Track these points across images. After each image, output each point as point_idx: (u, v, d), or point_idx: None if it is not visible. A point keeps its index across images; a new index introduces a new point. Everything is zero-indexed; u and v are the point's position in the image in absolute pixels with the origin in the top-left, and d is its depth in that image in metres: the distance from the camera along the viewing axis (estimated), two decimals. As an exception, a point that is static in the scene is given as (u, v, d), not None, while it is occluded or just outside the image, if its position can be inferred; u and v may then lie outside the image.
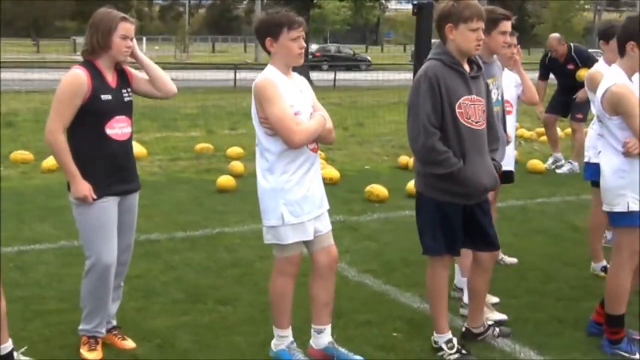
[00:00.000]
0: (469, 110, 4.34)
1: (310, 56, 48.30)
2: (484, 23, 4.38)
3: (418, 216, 4.60)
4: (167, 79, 4.70)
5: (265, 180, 4.28)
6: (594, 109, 6.14)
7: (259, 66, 40.48)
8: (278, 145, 4.20)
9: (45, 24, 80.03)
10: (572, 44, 11.07)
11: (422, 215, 4.55)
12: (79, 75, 4.28)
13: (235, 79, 29.44)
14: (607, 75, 4.59)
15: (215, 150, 12.31)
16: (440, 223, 4.46)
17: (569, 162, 11.13)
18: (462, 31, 4.28)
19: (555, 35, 10.88)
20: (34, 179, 9.73)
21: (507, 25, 5.21)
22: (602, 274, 6.19)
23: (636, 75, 4.55)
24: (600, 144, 4.68)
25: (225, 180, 9.42)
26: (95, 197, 4.32)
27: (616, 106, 4.41)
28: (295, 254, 4.38)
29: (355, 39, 77.78)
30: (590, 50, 12.42)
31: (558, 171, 11.08)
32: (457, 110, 4.30)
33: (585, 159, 6.26)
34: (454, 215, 4.45)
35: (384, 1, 42.12)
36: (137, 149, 9.51)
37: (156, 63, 4.68)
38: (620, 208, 4.51)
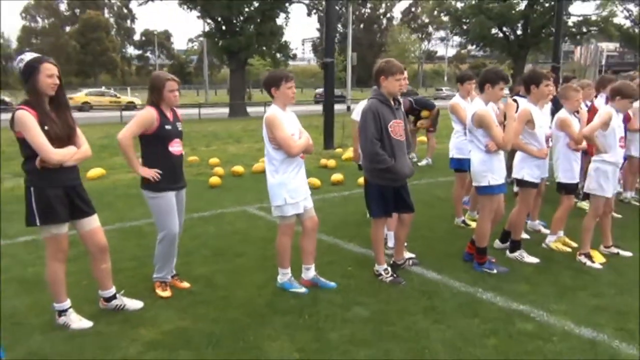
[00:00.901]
0: (396, 129, 4.54)
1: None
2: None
3: (367, 195, 4.74)
4: None
5: (273, 178, 4.40)
6: (454, 125, 6.52)
7: (205, 105, 39.17)
8: (281, 155, 4.33)
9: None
10: (411, 99, 11.40)
11: (369, 194, 4.71)
12: (152, 112, 4.31)
13: (199, 113, 28.86)
14: (473, 104, 4.84)
15: (200, 160, 12.04)
16: (381, 198, 4.65)
17: (426, 158, 11.49)
18: (390, 81, 4.47)
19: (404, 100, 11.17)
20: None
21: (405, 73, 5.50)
22: (462, 225, 6.53)
23: (491, 103, 4.83)
24: (470, 146, 4.93)
25: (215, 180, 9.31)
26: (157, 177, 4.34)
27: (480, 122, 4.69)
28: (292, 222, 4.53)
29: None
30: (418, 90, 12.74)
31: (419, 164, 11.36)
32: (389, 129, 4.49)
33: (450, 155, 6.46)
34: (388, 193, 4.65)
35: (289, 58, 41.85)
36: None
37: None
38: (484, 183, 4.82)
